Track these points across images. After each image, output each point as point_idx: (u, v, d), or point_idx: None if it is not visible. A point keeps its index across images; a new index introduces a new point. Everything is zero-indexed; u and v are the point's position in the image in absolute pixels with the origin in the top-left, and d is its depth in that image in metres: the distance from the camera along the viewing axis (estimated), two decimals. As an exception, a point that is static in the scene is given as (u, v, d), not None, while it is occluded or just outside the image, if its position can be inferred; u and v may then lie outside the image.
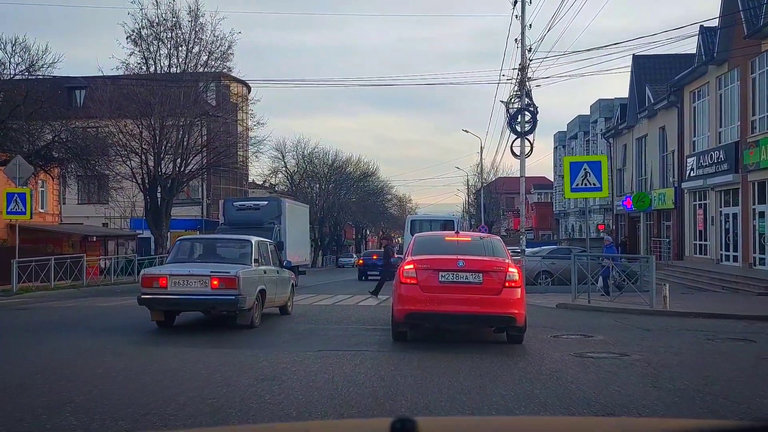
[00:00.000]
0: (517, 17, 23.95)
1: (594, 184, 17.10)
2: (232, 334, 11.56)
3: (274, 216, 26.31)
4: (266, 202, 27.97)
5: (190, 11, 34.46)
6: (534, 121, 23.35)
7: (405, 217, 50.85)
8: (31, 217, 24.28)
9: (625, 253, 32.22)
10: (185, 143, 34.47)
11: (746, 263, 25.17)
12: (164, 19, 34.21)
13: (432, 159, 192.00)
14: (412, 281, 10.02)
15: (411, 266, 10.16)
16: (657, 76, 36.91)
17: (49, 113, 28.29)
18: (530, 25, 23.90)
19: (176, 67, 34.72)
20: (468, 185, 72.20)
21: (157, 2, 33.79)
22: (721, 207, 28.19)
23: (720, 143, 27.78)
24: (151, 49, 34.55)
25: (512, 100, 23.59)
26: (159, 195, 34.81)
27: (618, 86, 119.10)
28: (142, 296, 11.87)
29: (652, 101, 34.97)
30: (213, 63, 35.41)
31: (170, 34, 34.52)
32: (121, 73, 34.74)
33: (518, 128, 23.29)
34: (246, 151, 44.18)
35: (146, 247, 40.23)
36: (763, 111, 24.31)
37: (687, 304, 17.47)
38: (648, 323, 13.51)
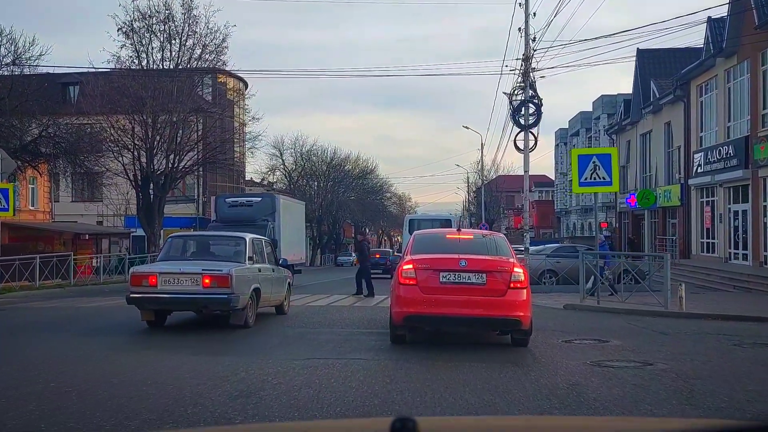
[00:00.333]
0: (520, 5, 23.07)
1: (603, 178, 16.18)
2: (220, 336, 10.90)
3: (268, 213, 25.46)
4: (259, 199, 27.08)
5: (183, 3, 33.69)
6: (538, 114, 22.48)
7: (404, 215, 50.79)
8: (14, 214, 23.35)
9: (633, 252, 31.46)
10: (178, 139, 33.61)
11: (757, 262, 24.36)
12: (157, 11, 33.51)
13: (432, 158, 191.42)
14: (411, 282, 9.50)
15: (410, 266, 9.68)
16: (662, 70, 36.12)
17: (35, 108, 27.32)
18: (534, 13, 23.01)
19: (169, 61, 33.95)
20: (468, 183, 71.41)
21: (149, -7, 32.94)
22: (729, 204, 27.43)
23: (729, 138, 27.06)
24: (144, 42, 33.76)
25: (516, 92, 22.63)
26: (152, 192, 33.97)
27: (621, 84, 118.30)
28: (131, 295, 11.48)
29: (657, 96, 34.18)
30: (207, 57, 34.66)
31: (163, 27, 33.72)
32: (112, 66, 33.89)
33: (522, 121, 22.37)
34: (242, 147, 43.37)
35: (141, 246, 39.34)
36: (774, 104, 23.50)
37: (701, 304, 16.55)
38: (664, 326, 12.59)
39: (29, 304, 18.39)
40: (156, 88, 32.12)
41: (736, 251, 26.83)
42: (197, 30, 33.89)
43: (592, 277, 17.76)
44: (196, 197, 46.77)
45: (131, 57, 33.69)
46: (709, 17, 27.68)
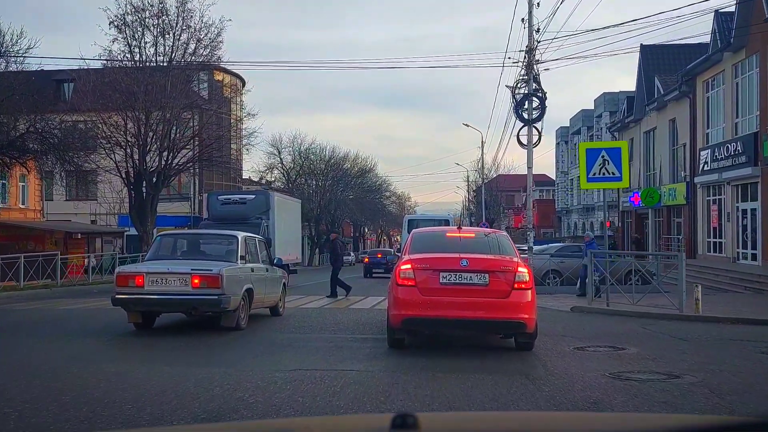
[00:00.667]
0: (524, -5, 22.22)
1: (613, 174, 15.37)
2: (203, 342, 10.18)
3: (262, 210, 24.68)
4: (253, 196, 26.25)
5: (177, -4, 32.71)
6: (542, 108, 21.70)
7: (404, 215, 50.55)
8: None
9: (638, 251, 30.75)
10: (172, 136, 32.77)
11: (766, 261, 23.54)
12: (150, 5, 32.62)
13: (432, 157, 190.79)
14: (410, 283, 8.95)
15: (408, 266, 9.10)
16: (666, 66, 35.39)
17: (21, 103, 26.37)
18: (538, 3, 22.19)
19: (163, 56, 33.13)
20: (468, 181, 70.65)
21: (141, -14, 32.07)
22: (737, 202, 26.67)
23: (737, 134, 26.31)
24: (136, 36, 32.90)
25: (519, 85, 21.79)
26: (144, 190, 33.13)
27: (621, 82, 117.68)
28: (117, 296, 11.04)
29: (662, 92, 33.41)
30: (201, 51, 33.80)
31: (156, 21, 32.86)
32: (104, 61, 33.04)
33: (525, 115, 21.53)
34: (239, 144, 42.53)
35: (135, 245, 38.52)
36: (786, 99, 22.69)
37: (715, 307, 15.71)
38: (681, 331, 11.74)
39: (9, 305, 17.59)
40: (149, 84, 31.30)
41: (744, 251, 26.07)
42: (191, 24, 33.10)
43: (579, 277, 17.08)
44: (191, 196, 45.93)
45: (123, 51, 32.92)
46: (717, 11, 26.87)
